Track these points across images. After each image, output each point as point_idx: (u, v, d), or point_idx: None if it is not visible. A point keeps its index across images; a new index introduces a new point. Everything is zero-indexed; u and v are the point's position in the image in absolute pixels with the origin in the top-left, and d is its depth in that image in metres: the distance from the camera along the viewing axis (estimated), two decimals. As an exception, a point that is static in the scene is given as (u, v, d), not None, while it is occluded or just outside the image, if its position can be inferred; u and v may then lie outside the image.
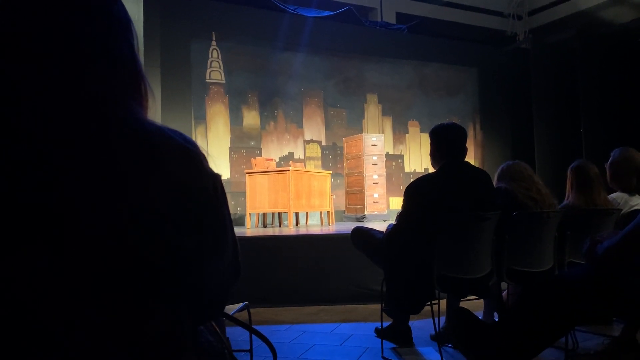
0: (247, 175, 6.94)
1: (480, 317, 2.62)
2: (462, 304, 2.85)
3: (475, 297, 2.92)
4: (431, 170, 2.93)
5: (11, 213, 0.62)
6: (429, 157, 2.92)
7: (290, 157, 9.27)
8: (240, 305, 2.10)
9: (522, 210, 2.81)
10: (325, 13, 9.62)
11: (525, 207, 2.85)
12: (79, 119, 0.67)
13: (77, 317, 0.64)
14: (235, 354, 1.02)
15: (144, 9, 5.65)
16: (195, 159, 0.74)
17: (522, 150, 10.00)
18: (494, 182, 3.04)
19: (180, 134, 0.74)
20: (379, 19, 10.61)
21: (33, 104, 0.67)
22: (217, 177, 0.78)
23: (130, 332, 0.66)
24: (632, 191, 3.12)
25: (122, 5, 0.79)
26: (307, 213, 7.70)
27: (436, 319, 2.59)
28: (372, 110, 10.29)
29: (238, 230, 5.69)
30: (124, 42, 0.77)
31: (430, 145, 2.87)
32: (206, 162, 0.76)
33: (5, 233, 0.62)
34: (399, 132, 10.58)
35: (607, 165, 3.21)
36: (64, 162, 0.64)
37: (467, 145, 2.84)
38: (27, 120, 0.65)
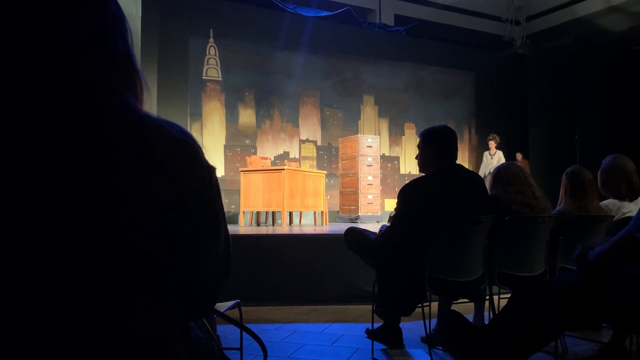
0: (242, 173, 6.92)
1: (470, 320, 2.63)
2: (453, 307, 2.86)
3: (467, 300, 2.92)
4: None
5: (5, 205, 0.62)
6: (417, 160, 2.90)
7: (285, 156, 9.27)
8: (232, 303, 2.09)
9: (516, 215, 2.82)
10: (324, 13, 9.63)
11: (519, 214, 2.85)
12: (75, 110, 0.67)
13: (66, 310, 0.64)
14: (225, 351, 1.02)
15: (142, 4, 5.63)
16: (192, 150, 0.74)
17: (516, 155, 10.06)
18: (489, 185, 3.05)
19: (177, 126, 0.75)
20: (378, 21, 10.63)
21: (27, 96, 0.66)
22: (212, 169, 0.78)
23: (120, 326, 0.66)
24: (622, 198, 3.14)
25: (115, 0, 0.80)
26: (300, 213, 7.71)
27: (427, 321, 2.60)
28: (369, 112, 10.30)
29: (231, 228, 5.67)
30: (118, 35, 0.77)
31: (422, 148, 2.85)
32: (202, 153, 0.76)
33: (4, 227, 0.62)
34: (395, 134, 10.60)
35: (598, 173, 3.24)
36: (58, 153, 0.64)
37: (462, 149, 2.85)
38: (21, 113, 0.65)
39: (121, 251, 0.66)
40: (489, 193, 2.96)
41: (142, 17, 5.61)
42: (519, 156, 9.53)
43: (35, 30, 0.70)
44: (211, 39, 8.64)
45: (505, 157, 8.97)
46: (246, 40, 8.86)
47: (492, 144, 9.10)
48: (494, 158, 8.96)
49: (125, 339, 0.66)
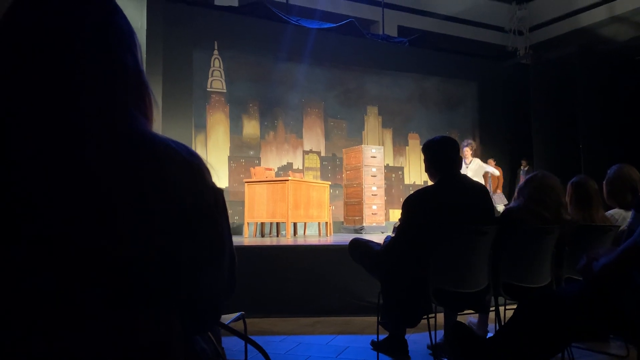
0: (246, 184, 6.93)
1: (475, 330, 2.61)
2: (460, 318, 2.84)
3: (472, 312, 2.91)
4: (430, 183, 2.94)
5: (7, 214, 0.62)
6: (425, 172, 2.94)
7: (289, 167, 9.28)
8: (236, 315, 2.09)
9: (521, 224, 2.80)
10: (328, 25, 9.68)
11: (528, 223, 2.80)
12: (84, 129, 0.68)
13: (67, 322, 0.64)
14: (230, 364, 1.02)
15: (147, 17, 5.68)
16: (199, 172, 0.75)
17: (520, 165, 10.04)
18: (521, 180, 3.02)
19: (185, 147, 0.75)
20: (381, 32, 10.69)
21: (38, 115, 0.67)
22: (219, 191, 0.78)
23: (121, 339, 0.66)
24: (628, 207, 3.13)
25: (124, 16, 0.80)
26: (305, 223, 7.69)
27: (433, 333, 2.58)
28: (372, 122, 10.32)
29: (235, 240, 5.66)
30: (127, 53, 0.78)
31: (424, 160, 2.89)
32: (209, 175, 0.77)
33: (5, 239, 0.62)
34: (399, 145, 10.61)
35: (604, 183, 3.23)
36: (66, 171, 0.65)
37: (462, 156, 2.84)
38: (32, 131, 0.66)
39: (122, 264, 0.66)
40: (516, 197, 2.93)
41: (146, 30, 5.65)
42: (491, 162, 9.08)
43: (43, 45, 0.70)
44: (215, 51, 8.70)
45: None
46: (250, 52, 8.91)
47: (467, 151, 7.76)
48: (469, 167, 7.79)
49: (126, 351, 0.67)
